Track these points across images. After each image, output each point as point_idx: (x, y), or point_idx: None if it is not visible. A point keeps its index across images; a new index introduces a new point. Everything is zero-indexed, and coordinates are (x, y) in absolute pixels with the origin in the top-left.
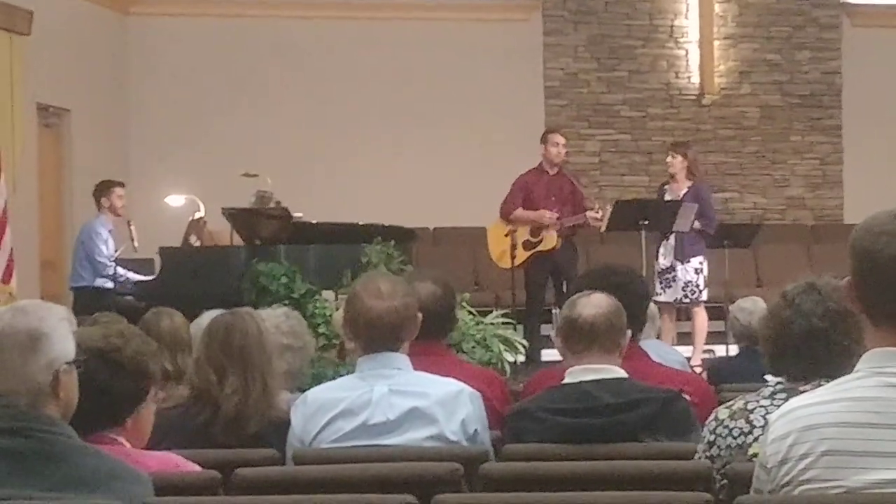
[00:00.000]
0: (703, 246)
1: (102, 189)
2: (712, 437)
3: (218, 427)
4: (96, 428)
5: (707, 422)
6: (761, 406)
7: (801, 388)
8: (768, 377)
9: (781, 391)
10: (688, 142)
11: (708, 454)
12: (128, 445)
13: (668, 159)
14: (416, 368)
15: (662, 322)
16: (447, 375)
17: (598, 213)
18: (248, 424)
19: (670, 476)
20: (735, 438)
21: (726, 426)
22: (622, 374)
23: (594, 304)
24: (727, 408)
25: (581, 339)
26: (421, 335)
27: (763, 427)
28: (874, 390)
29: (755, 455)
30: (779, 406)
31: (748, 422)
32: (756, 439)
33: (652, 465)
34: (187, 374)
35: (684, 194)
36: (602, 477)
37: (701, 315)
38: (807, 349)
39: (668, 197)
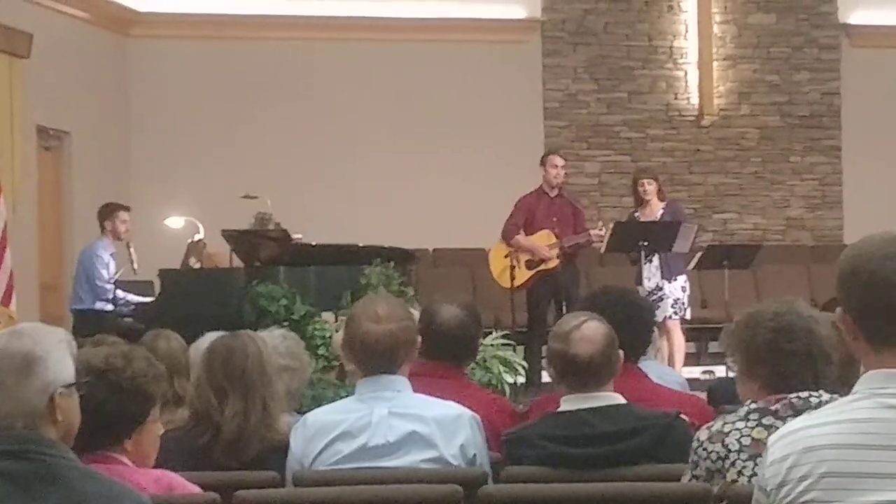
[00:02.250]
0: (684, 265)
1: (107, 212)
2: (696, 458)
3: (218, 449)
4: (95, 446)
5: (693, 441)
6: (737, 429)
7: (773, 407)
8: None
9: (755, 411)
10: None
11: (693, 474)
12: (129, 464)
13: (647, 187)
14: (426, 390)
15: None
16: (455, 399)
17: (600, 229)
18: (248, 447)
19: (669, 498)
20: (713, 462)
21: (705, 448)
22: (619, 399)
23: (589, 338)
24: (707, 428)
25: (578, 376)
26: (439, 356)
27: (739, 451)
28: (873, 412)
29: (734, 481)
30: (753, 427)
31: (724, 446)
32: (733, 464)
33: (650, 486)
34: (187, 396)
35: (662, 214)
36: (600, 499)
37: (679, 333)
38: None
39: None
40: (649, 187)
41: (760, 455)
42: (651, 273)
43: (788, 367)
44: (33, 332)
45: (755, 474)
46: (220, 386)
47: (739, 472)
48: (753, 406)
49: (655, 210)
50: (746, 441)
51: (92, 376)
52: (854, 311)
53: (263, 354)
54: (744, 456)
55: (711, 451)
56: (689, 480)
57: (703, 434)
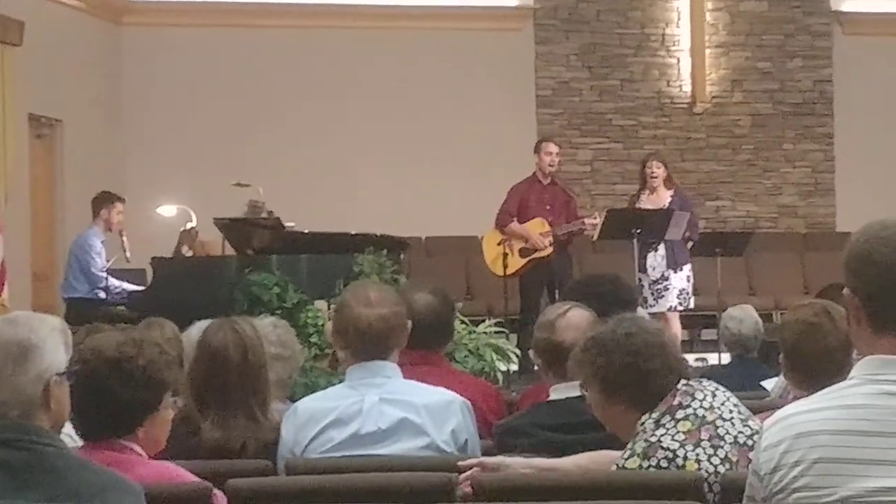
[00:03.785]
0: (688, 253)
1: (104, 200)
2: None
3: (205, 450)
4: (107, 435)
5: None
6: (663, 435)
7: (674, 403)
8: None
9: (662, 416)
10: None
11: None
12: (142, 453)
13: (655, 170)
14: (411, 377)
15: None
16: (441, 384)
17: (594, 218)
18: (232, 452)
19: (662, 485)
20: (665, 469)
21: (645, 466)
22: None
23: (574, 326)
24: (630, 456)
25: (564, 363)
26: (417, 344)
27: (681, 445)
28: (869, 398)
29: (697, 474)
30: (675, 426)
31: (665, 448)
32: (685, 457)
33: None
34: (181, 386)
35: (670, 202)
36: (594, 486)
37: (676, 322)
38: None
39: (647, 206)
40: (658, 170)
41: (703, 439)
42: (657, 262)
43: (651, 385)
44: (28, 321)
45: (710, 454)
46: (201, 395)
47: (697, 460)
48: (656, 415)
49: (663, 197)
50: (680, 437)
51: (105, 365)
52: (864, 294)
53: (252, 353)
54: (689, 447)
55: (661, 458)
56: None
57: (632, 463)
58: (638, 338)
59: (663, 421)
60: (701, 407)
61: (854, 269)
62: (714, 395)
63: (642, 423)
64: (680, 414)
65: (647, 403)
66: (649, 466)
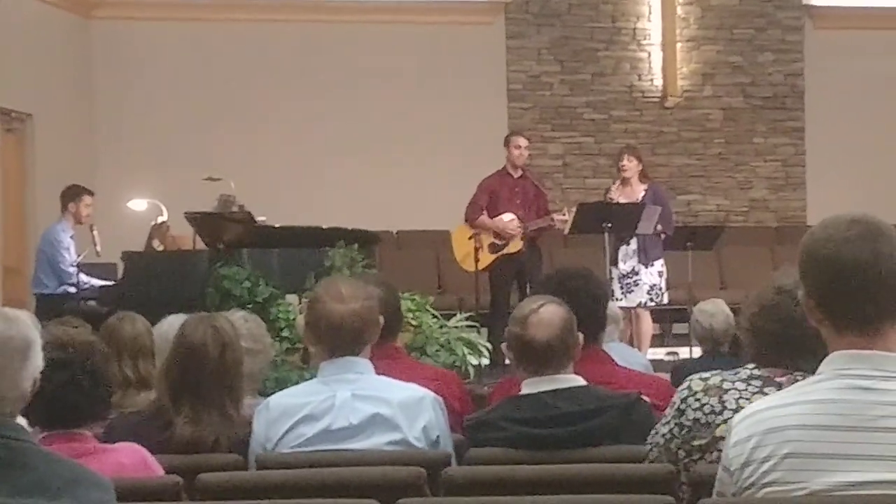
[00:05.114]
0: (661, 248)
1: (72, 194)
2: (683, 406)
3: (175, 445)
4: (89, 420)
5: (679, 389)
6: (736, 388)
7: (778, 380)
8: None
9: (757, 378)
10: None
11: (677, 421)
12: (97, 443)
13: (625, 163)
14: (376, 372)
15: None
16: (404, 377)
17: (563, 214)
18: (204, 449)
19: (633, 479)
20: (706, 415)
21: (698, 399)
22: (580, 381)
23: (546, 322)
24: (702, 380)
25: (535, 359)
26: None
27: (735, 410)
28: (838, 392)
29: (721, 437)
30: (754, 393)
31: (721, 401)
32: (725, 421)
33: (615, 468)
34: (153, 380)
35: (643, 196)
36: (564, 481)
37: (647, 319)
38: (821, 346)
39: (620, 200)
40: (628, 163)
41: None
42: (628, 255)
43: (759, 340)
44: (20, 318)
45: None
46: (176, 390)
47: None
48: (757, 372)
49: (637, 191)
50: (744, 403)
51: (98, 354)
52: (816, 295)
53: (230, 351)
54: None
55: (706, 404)
56: (667, 430)
57: (696, 384)
58: (779, 296)
59: (753, 382)
60: None
61: (805, 271)
62: None
63: (745, 368)
64: (769, 390)
65: (758, 358)
66: (698, 401)
